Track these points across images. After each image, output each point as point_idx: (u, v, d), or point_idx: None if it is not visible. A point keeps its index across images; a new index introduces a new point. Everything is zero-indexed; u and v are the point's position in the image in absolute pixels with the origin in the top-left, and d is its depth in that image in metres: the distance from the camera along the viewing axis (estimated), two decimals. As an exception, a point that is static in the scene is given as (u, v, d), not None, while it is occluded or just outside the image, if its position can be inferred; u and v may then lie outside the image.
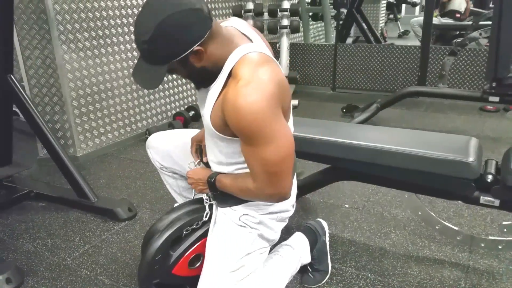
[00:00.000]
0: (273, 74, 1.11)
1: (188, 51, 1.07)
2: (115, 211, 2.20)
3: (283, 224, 1.44)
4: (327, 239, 1.71)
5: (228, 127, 1.14)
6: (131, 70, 3.26)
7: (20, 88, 2.25)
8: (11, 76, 2.21)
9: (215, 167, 1.36)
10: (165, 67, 1.10)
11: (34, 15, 2.68)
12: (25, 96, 2.26)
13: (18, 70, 2.74)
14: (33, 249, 1.96)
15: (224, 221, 1.34)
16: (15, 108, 2.33)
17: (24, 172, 2.74)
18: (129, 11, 3.21)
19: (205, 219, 1.39)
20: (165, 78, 3.66)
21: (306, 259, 1.62)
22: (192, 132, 1.64)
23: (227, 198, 1.33)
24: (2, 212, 2.30)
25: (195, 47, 1.07)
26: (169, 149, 1.64)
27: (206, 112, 1.20)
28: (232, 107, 1.07)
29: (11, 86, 2.21)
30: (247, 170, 1.22)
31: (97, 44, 2.99)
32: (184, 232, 1.35)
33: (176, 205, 1.83)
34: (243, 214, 1.32)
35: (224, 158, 1.29)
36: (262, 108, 1.05)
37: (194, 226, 1.37)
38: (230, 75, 1.14)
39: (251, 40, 1.23)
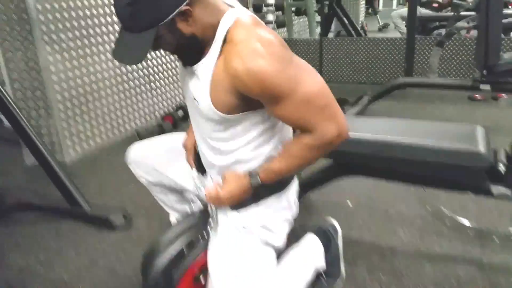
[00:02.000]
0: (271, 31, 1.04)
1: (176, 12, 0.98)
2: (110, 219, 2.10)
3: (288, 227, 1.34)
4: (340, 240, 1.64)
5: (239, 100, 1.04)
6: (118, 70, 3.15)
7: (4, 92, 2.12)
8: (-7, 80, 2.09)
9: (208, 163, 1.25)
10: (151, 32, 0.99)
11: (15, 15, 2.54)
12: (9, 100, 2.14)
13: (-1, 73, 2.61)
14: (26, 264, 1.85)
15: (226, 228, 1.25)
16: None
17: (10, 181, 2.60)
18: (113, 9, 3.09)
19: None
20: (151, 72, 3.55)
21: (321, 264, 1.53)
22: (170, 137, 1.53)
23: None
24: (-10, 225, 2.17)
25: (183, 7, 0.98)
26: (151, 161, 1.50)
27: (202, 91, 1.08)
28: (247, 74, 0.97)
29: (-6, 91, 2.08)
30: (248, 155, 1.15)
31: (82, 44, 2.86)
32: (185, 247, 1.26)
33: (171, 219, 1.74)
34: (247, 218, 1.23)
35: (224, 144, 1.17)
36: (278, 55, 0.99)
37: (200, 238, 1.28)
38: (224, 42, 1.03)
39: (232, 6, 1.12)
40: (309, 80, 1.04)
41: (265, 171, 1.15)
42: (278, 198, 1.26)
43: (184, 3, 0.98)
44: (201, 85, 1.08)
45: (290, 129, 1.25)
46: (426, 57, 4.23)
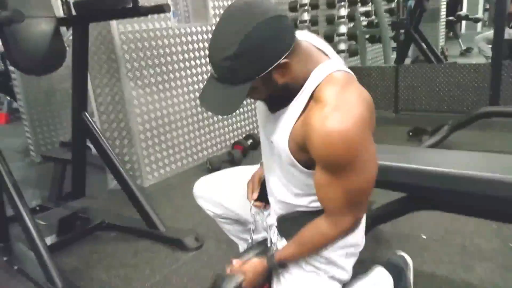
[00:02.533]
0: (362, 95, 1.00)
1: (275, 64, 0.96)
2: (183, 241, 2.21)
3: (354, 259, 1.33)
4: (411, 275, 1.57)
5: (304, 155, 1.04)
6: (193, 102, 3.36)
7: (94, 124, 2.37)
8: (86, 113, 2.34)
9: (278, 203, 1.27)
10: (247, 86, 0.97)
11: (104, 56, 2.85)
12: (98, 131, 2.38)
13: (89, 106, 2.91)
14: (107, 279, 2.01)
15: (290, 267, 1.25)
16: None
17: (95, 203, 2.86)
18: (190, 46, 3.33)
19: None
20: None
21: None
22: (235, 170, 1.59)
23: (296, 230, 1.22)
24: (78, 242, 2.39)
25: (282, 60, 0.96)
26: (217, 196, 1.56)
27: (280, 137, 1.07)
28: (320, 134, 0.95)
29: (86, 122, 2.33)
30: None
31: (161, 79, 3.12)
32: None
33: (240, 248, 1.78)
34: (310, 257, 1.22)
35: (299, 189, 1.18)
36: (356, 135, 0.95)
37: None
38: (311, 96, 1.01)
39: (327, 55, 1.09)
40: (364, 177, 1.01)
41: (280, 256, 1.20)
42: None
43: (284, 56, 0.96)
44: (281, 128, 1.08)
45: None
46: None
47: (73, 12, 2.38)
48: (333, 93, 0.98)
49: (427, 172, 1.56)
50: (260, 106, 1.21)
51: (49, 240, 2.31)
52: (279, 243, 1.30)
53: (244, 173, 1.50)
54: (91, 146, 2.45)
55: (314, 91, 1.01)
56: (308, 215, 1.18)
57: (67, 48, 2.64)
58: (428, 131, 3.59)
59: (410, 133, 3.78)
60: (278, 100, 1.08)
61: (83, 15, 2.24)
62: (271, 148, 1.17)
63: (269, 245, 1.34)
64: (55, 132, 4.09)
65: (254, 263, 1.23)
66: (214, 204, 1.58)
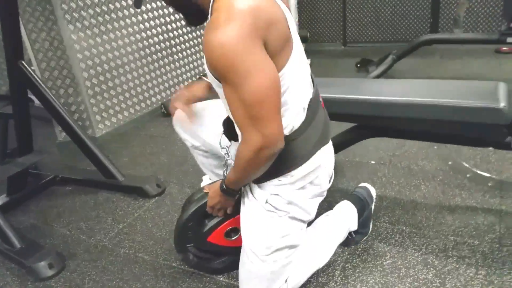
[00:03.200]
0: (253, 2, 0.98)
1: None
2: (144, 188, 2.21)
3: (319, 200, 1.36)
4: (373, 205, 1.69)
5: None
6: (140, 43, 3.21)
7: (33, 73, 2.22)
8: (22, 62, 2.18)
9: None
10: None
11: (36, -4, 2.61)
12: (38, 80, 2.23)
13: (26, 54, 2.70)
14: (69, 233, 2.00)
15: (252, 205, 1.29)
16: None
17: (45, 157, 2.76)
18: (130, -17, 3.11)
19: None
20: (174, 43, 3.60)
21: (353, 227, 1.59)
22: (215, 104, 1.58)
23: None
24: (33, 199, 2.33)
25: None
26: (196, 127, 1.59)
27: (205, 63, 1.12)
28: (204, 43, 1.00)
29: (24, 72, 2.18)
30: None
31: (103, 20, 2.92)
32: None
33: (204, 182, 1.84)
34: (271, 195, 1.24)
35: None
36: (231, 39, 0.95)
37: None
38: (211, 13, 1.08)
39: None
40: (249, 85, 0.99)
41: (226, 180, 1.26)
42: (304, 177, 1.24)
43: None
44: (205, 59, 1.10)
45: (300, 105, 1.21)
46: (453, 12, 4.06)
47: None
48: (223, 3, 1.00)
49: (373, 102, 1.65)
50: None
51: (0, 200, 2.24)
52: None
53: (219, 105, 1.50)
54: (34, 97, 2.31)
55: (212, 4, 1.06)
56: None
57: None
58: (374, 61, 3.69)
59: (358, 65, 3.88)
60: (191, 13, 1.18)
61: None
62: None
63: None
64: (-11, 84, 3.80)
65: (215, 184, 1.36)
66: (192, 135, 1.61)
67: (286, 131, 1.17)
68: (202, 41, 1.07)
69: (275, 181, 1.23)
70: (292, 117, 1.17)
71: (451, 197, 1.87)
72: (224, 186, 1.27)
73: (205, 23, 1.13)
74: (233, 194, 1.29)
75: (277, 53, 1.05)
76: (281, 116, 1.09)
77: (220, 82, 1.07)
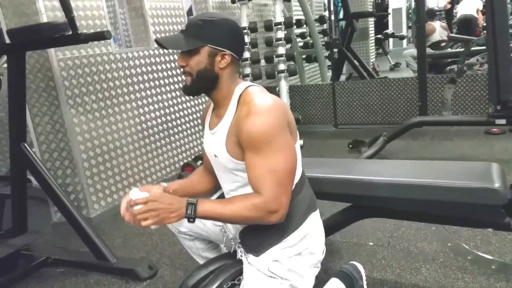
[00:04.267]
0: (275, 98, 1.26)
1: (223, 50, 1.24)
2: (136, 271, 2.15)
3: (316, 271, 1.40)
4: (365, 283, 1.65)
5: (241, 152, 1.24)
6: (138, 126, 3.31)
7: (33, 155, 2.26)
8: (25, 144, 2.23)
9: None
10: (199, 43, 1.24)
11: (43, 83, 2.74)
12: (38, 162, 2.27)
13: (28, 137, 2.77)
14: (56, 319, 1.90)
15: (252, 273, 1.30)
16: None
17: (39, 238, 2.70)
18: (133, 71, 3.30)
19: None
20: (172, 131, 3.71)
21: None
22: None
23: (257, 243, 1.30)
24: (22, 282, 2.24)
25: (228, 52, 1.25)
26: None
27: (220, 148, 1.30)
28: (246, 122, 1.20)
29: (25, 153, 2.23)
30: None
31: (104, 105, 3.04)
32: (225, 287, 1.31)
33: (202, 262, 1.79)
34: (273, 261, 1.28)
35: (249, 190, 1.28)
36: (273, 121, 1.19)
37: (236, 281, 1.34)
38: (238, 104, 1.27)
39: None
40: (281, 157, 1.20)
41: (203, 203, 1.22)
42: (299, 242, 1.32)
43: (229, 51, 1.26)
44: (219, 144, 1.30)
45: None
46: (440, 95, 4.26)
47: (7, 40, 2.28)
48: (253, 96, 1.24)
49: (367, 182, 1.68)
50: (205, 134, 1.44)
51: (-11, 283, 2.16)
52: (245, 257, 1.35)
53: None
54: (32, 178, 2.33)
55: (239, 99, 1.27)
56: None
57: (1, 77, 2.53)
58: (366, 142, 3.79)
59: (350, 145, 3.98)
60: (207, 85, 1.30)
61: (18, 43, 2.16)
62: (217, 162, 1.37)
63: (239, 256, 1.38)
64: (-11, 165, 3.83)
65: (168, 195, 1.30)
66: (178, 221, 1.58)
67: None
68: (241, 120, 1.23)
69: (274, 248, 1.29)
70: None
71: (453, 281, 1.82)
72: (194, 202, 1.21)
73: (220, 122, 1.32)
74: (192, 215, 1.21)
75: (291, 133, 1.28)
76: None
77: (240, 153, 1.25)
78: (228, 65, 1.27)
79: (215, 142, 1.33)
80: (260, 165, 1.20)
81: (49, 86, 2.74)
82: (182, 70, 1.31)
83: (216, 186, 1.54)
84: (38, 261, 2.35)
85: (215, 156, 1.34)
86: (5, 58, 2.44)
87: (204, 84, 1.29)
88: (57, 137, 2.83)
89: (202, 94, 1.36)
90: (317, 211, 1.44)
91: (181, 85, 3.73)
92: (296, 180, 1.32)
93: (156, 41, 1.31)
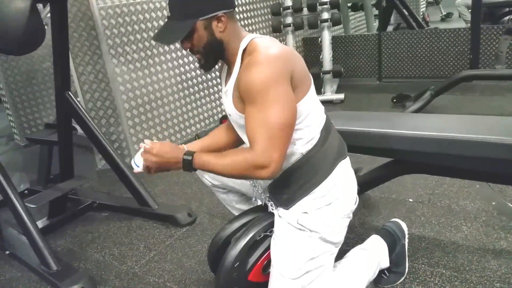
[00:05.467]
0: (279, 48, 1.20)
1: (215, 13, 1.20)
2: (176, 217, 2.23)
3: (347, 221, 1.37)
4: (407, 241, 1.63)
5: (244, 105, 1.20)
6: (178, 78, 3.32)
7: (78, 104, 2.33)
8: (69, 93, 2.30)
9: None
10: (189, 23, 1.20)
11: (85, 32, 2.77)
12: (83, 110, 2.34)
13: (72, 86, 2.85)
14: (102, 258, 2.03)
15: (282, 226, 1.30)
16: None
17: (85, 184, 2.85)
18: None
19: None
20: (209, 78, 3.70)
21: (385, 263, 1.54)
22: None
23: (286, 196, 1.30)
24: (70, 223, 2.40)
25: (220, 13, 1.21)
26: None
27: (229, 105, 1.28)
28: (244, 74, 1.17)
29: (70, 102, 2.29)
30: None
31: (145, 55, 3.06)
32: (258, 238, 1.33)
33: (236, 213, 1.82)
34: (302, 213, 1.27)
35: None
36: (269, 71, 1.14)
37: (268, 233, 1.35)
38: (242, 59, 1.24)
39: None
40: (276, 110, 1.14)
41: (200, 157, 1.24)
42: (328, 192, 1.29)
43: (222, 11, 1.21)
44: (229, 101, 1.29)
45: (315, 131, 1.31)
46: (493, 47, 3.97)
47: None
48: (257, 46, 1.20)
49: (411, 137, 1.60)
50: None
51: (41, 223, 2.31)
52: (275, 210, 1.35)
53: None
54: (77, 126, 2.42)
55: (243, 53, 1.24)
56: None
57: (45, 27, 2.56)
58: (411, 97, 3.64)
59: (394, 100, 3.82)
60: (213, 54, 1.28)
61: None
62: (232, 121, 1.37)
63: (270, 209, 1.38)
64: (38, 113, 4.01)
65: (177, 146, 1.34)
66: (212, 174, 1.60)
67: (309, 146, 1.28)
68: (243, 73, 1.19)
69: (304, 199, 1.28)
70: (313, 134, 1.29)
71: (495, 240, 1.76)
72: (189, 158, 1.25)
73: (217, 66, 1.34)
74: (190, 169, 1.26)
75: (298, 85, 1.22)
76: (286, 151, 1.21)
77: (244, 107, 1.21)
78: (227, 25, 1.23)
79: (227, 101, 1.31)
80: (253, 117, 1.16)
81: (91, 35, 2.77)
82: (190, 52, 1.31)
83: (239, 140, 1.51)
84: (84, 205, 2.50)
85: (230, 114, 1.33)
86: (48, 8, 2.47)
87: (215, 54, 1.28)
88: (100, 87, 2.89)
89: None
90: (347, 159, 1.40)
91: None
92: (320, 128, 1.30)
93: (154, 40, 1.32)
